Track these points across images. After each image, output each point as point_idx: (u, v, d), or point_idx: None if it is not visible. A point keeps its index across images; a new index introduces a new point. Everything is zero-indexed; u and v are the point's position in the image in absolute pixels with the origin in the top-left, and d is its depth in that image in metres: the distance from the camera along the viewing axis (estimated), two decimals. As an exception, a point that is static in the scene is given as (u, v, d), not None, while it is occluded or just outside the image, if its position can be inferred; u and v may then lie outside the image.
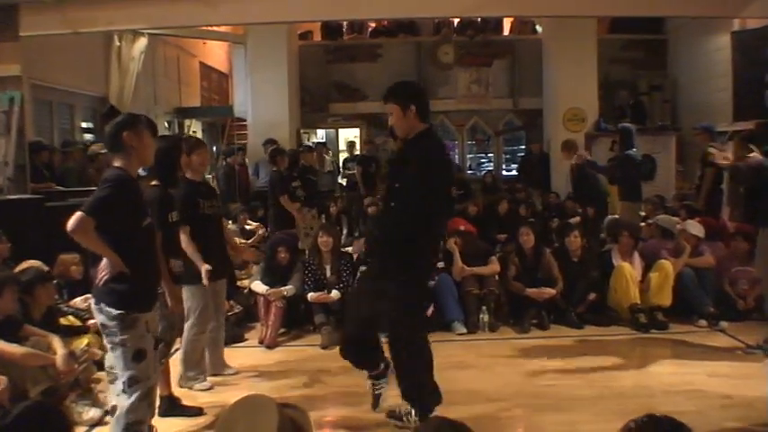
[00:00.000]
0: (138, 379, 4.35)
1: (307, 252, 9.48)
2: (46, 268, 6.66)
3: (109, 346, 4.43)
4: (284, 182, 11.03)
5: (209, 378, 6.57)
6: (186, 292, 6.25)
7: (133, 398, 4.33)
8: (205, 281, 6.09)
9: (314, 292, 8.29)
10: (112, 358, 4.44)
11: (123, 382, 4.35)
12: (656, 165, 11.23)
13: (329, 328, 8.12)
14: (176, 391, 6.00)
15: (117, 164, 4.48)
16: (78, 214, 4.15)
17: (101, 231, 4.24)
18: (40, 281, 6.23)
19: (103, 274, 4.34)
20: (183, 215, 6.03)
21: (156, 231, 4.98)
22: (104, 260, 4.36)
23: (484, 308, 8.31)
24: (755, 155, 7.17)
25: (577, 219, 11.50)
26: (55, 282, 6.80)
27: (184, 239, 6.05)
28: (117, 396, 4.42)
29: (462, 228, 9.10)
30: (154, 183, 5.72)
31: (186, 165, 6.37)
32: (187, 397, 6.04)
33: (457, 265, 8.52)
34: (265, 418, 2.36)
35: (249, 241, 10.82)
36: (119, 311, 4.30)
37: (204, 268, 6.07)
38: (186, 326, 6.33)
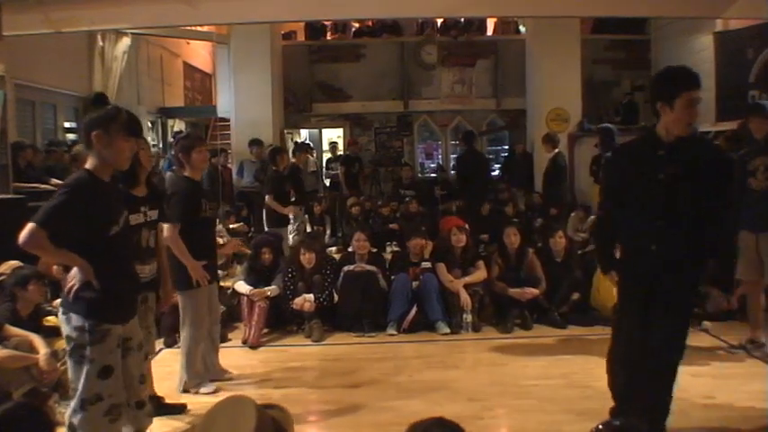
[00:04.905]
0: (101, 396, 4.07)
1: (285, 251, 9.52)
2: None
3: (73, 358, 4.10)
4: (276, 182, 11.01)
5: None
6: (182, 298, 6.25)
7: (91, 415, 4.07)
8: (204, 280, 6.12)
9: (296, 297, 8.37)
10: (73, 371, 4.12)
11: (83, 399, 4.06)
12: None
13: (319, 322, 8.22)
14: (160, 391, 5.98)
15: (87, 164, 4.17)
16: (29, 226, 3.84)
17: (60, 240, 3.95)
18: (35, 278, 6.21)
19: (72, 283, 4.08)
20: (181, 215, 6.01)
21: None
22: (74, 269, 4.11)
23: (467, 308, 8.32)
24: None
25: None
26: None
27: (174, 240, 5.96)
28: (73, 413, 4.11)
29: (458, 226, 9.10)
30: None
31: (185, 163, 6.31)
32: (172, 397, 6.03)
33: (446, 278, 8.52)
34: (244, 418, 2.36)
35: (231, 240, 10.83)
36: (89, 321, 4.04)
37: (199, 268, 6.09)
38: (183, 332, 6.33)
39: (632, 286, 4.89)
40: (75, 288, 4.07)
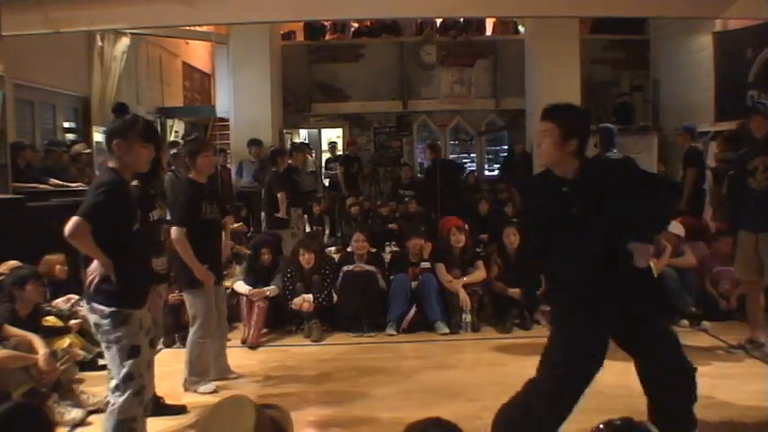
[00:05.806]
0: (132, 376, 4.38)
1: (283, 252, 9.50)
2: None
3: (104, 345, 4.46)
4: (282, 180, 11.03)
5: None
6: (189, 298, 6.26)
7: (126, 395, 4.37)
8: (210, 282, 6.16)
9: (295, 297, 8.38)
10: (108, 357, 4.47)
11: (119, 380, 4.38)
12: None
13: (318, 322, 8.23)
14: (160, 391, 5.97)
15: (110, 164, 4.50)
16: (75, 219, 4.18)
17: (94, 235, 4.24)
18: (33, 278, 6.22)
19: (93, 276, 4.35)
20: (184, 218, 6.05)
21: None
22: (95, 263, 4.35)
23: (466, 308, 8.32)
24: None
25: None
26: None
27: (181, 243, 6.01)
28: (111, 393, 4.44)
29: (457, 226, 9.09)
30: (134, 183, 5.62)
31: (190, 166, 6.35)
32: (172, 397, 6.02)
33: (445, 278, 8.52)
34: (243, 418, 2.36)
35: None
36: (111, 309, 4.34)
37: (205, 271, 6.12)
38: (191, 331, 6.34)
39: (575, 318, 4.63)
40: (95, 281, 4.35)
